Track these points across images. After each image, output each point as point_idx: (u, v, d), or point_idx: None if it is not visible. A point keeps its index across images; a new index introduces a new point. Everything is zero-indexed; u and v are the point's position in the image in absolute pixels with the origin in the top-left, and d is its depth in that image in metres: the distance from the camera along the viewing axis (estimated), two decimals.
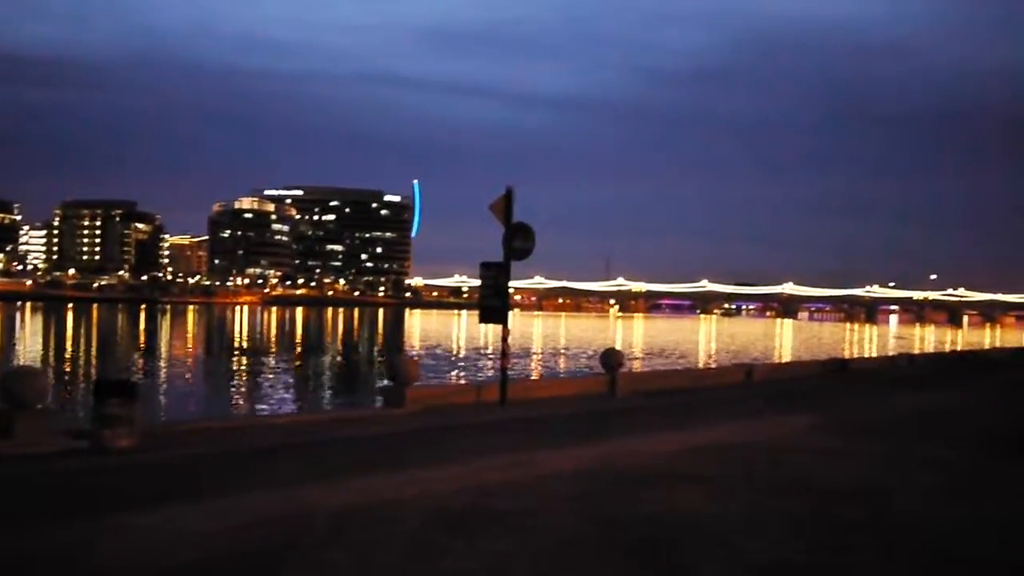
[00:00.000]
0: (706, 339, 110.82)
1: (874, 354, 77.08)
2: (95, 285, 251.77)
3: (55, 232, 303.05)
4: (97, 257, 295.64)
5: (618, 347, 27.82)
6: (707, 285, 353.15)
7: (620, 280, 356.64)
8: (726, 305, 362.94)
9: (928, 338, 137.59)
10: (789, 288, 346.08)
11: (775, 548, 7.86)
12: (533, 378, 41.84)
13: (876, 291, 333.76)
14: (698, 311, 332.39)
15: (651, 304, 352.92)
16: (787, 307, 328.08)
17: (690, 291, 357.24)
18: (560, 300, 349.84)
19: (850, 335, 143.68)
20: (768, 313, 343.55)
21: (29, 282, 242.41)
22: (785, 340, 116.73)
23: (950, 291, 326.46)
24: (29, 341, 69.58)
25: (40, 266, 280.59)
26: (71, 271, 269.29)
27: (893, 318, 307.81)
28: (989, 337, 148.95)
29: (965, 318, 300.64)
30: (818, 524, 8.80)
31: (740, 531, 8.38)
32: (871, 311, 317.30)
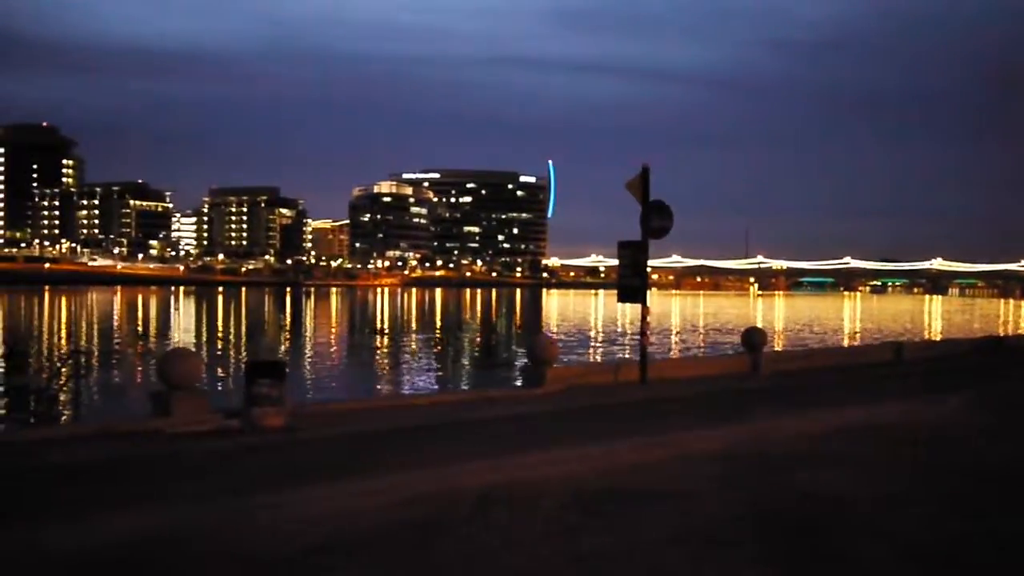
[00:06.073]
0: (851, 317, 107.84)
1: None
2: (243, 269, 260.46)
3: (204, 219, 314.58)
4: (244, 242, 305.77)
5: (759, 326, 27.25)
6: (850, 262, 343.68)
7: (760, 258, 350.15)
8: (873, 282, 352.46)
9: None
10: (938, 264, 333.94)
11: (927, 531, 7.59)
12: (673, 357, 41.42)
13: None
14: (842, 288, 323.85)
15: (792, 282, 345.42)
16: (936, 283, 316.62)
17: (833, 268, 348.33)
18: (698, 279, 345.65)
19: (1005, 311, 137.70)
20: (916, 290, 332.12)
21: (181, 267, 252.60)
22: (935, 317, 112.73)
23: None
24: (183, 324, 72.48)
25: (191, 252, 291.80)
26: (220, 256, 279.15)
27: None
28: None
29: None
30: (972, 508, 8.45)
31: (892, 514, 8.11)
32: None
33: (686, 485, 9.01)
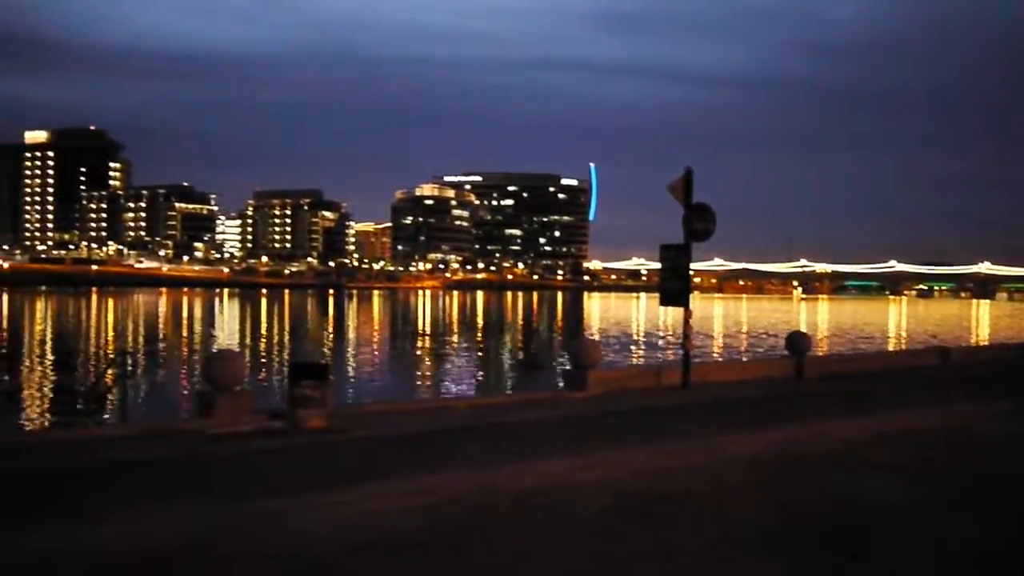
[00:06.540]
0: (896, 321, 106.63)
1: None
2: (286, 272, 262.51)
3: (248, 221, 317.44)
4: (288, 245, 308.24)
5: (803, 330, 27.03)
6: (896, 266, 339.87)
7: (803, 261, 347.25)
8: (919, 285, 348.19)
9: None
10: (985, 268, 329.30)
11: (961, 539, 7.50)
12: (716, 361, 41.20)
13: None
14: (887, 292, 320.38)
15: (836, 285, 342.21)
16: (983, 287, 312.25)
17: (878, 272, 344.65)
18: (741, 282, 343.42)
19: None
20: (963, 294, 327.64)
21: (226, 270, 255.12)
22: (982, 322, 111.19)
23: None
24: (227, 326, 73.16)
25: (235, 254, 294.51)
26: (264, 259, 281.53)
27: None
28: None
29: None
30: (1008, 517, 8.34)
31: (927, 520, 8.03)
32: None
33: (725, 489, 8.97)
